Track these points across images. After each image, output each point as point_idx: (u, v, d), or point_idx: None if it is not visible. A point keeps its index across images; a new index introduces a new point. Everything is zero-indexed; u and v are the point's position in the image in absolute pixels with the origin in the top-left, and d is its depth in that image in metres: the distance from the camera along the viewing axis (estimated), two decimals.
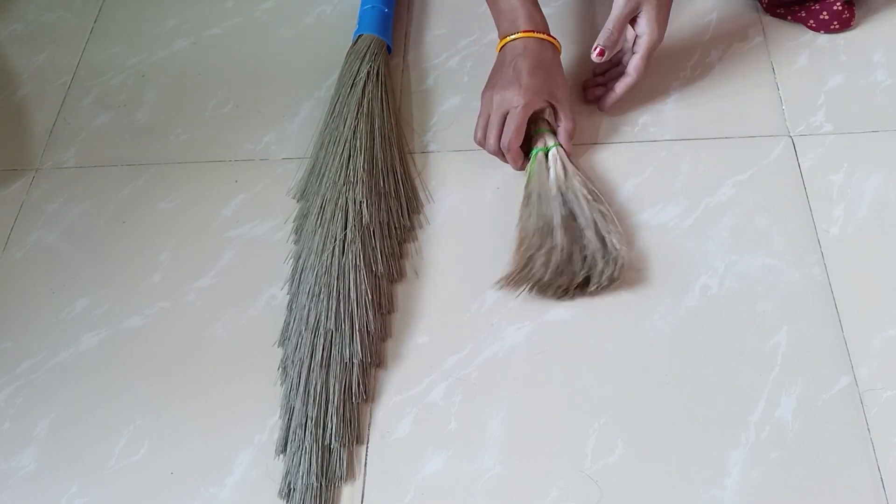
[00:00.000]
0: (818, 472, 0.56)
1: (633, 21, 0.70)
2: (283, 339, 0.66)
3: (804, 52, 0.78)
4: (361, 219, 0.68)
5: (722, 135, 0.73)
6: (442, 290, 0.68)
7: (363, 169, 0.71)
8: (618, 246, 0.64)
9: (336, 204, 0.69)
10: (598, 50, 0.69)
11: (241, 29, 0.90)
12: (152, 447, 0.62)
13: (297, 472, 0.59)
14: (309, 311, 0.64)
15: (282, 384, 0.64)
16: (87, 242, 0.75)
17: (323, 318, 0.63)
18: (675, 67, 0.78)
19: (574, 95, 0.77)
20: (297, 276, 0.68)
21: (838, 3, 0.76)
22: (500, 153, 0.71)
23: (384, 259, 0.67)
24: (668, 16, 0.70)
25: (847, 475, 0.56)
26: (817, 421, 0.58)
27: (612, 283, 0.64)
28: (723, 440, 0.58)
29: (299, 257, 0.69)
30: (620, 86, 0.72)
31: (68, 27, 0.93)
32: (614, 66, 0.76)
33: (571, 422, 0.60)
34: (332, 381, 0.61)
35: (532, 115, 0.69)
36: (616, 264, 0.64)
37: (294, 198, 0.75)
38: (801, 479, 0.56)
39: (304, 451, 0.59)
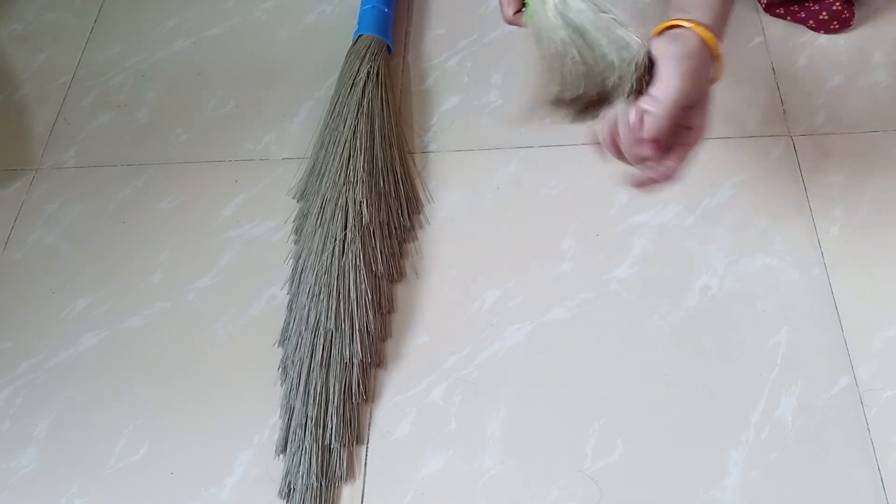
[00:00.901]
0: (818, 472, 0.56)
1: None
2: (283, 339, 0.66)
3: (804, 52, 0.78)
4: (361, 219, 0.68)
5: (722, 135, 0.73)
6: (442, 290, 0.68)
7: (363, 169, 0.71)
8: (638, 46, 0.50)
9: (336, 204, 0.69)
10: (650, 144, 0.49)
11: (241, 29, 0.90)
12: (152, 447, 0.62)
13: (297, 472, 0.59)
14: (309, 311, 0.64)
15: (282, 384, 0.64)
16: (87, 242, 0.75)
17: (323, 318, 0.63)
18: None
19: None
20: (297, 276, 0.68)
21: (838, 3, 0.76)
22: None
23: (384, 259, 0.67)
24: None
25: (847, 475, 0.56)
26: (817, 421, 0.58)
27: (641, 84, 0.50)
28: (723, 440, 0.58)
29: (299, 257, 0.69)
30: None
31: (68, 27, 0.93)
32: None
33: (571, 422, 0.60)
34: (332, 381, 0.61)
35: None
36: (641, 64, 0.50)
37: (294, 198, 0.75)
38: (801, 479, 0.56)
39: (304, 451, 0.59)
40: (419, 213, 0.73)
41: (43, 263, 0.74)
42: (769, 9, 0.80)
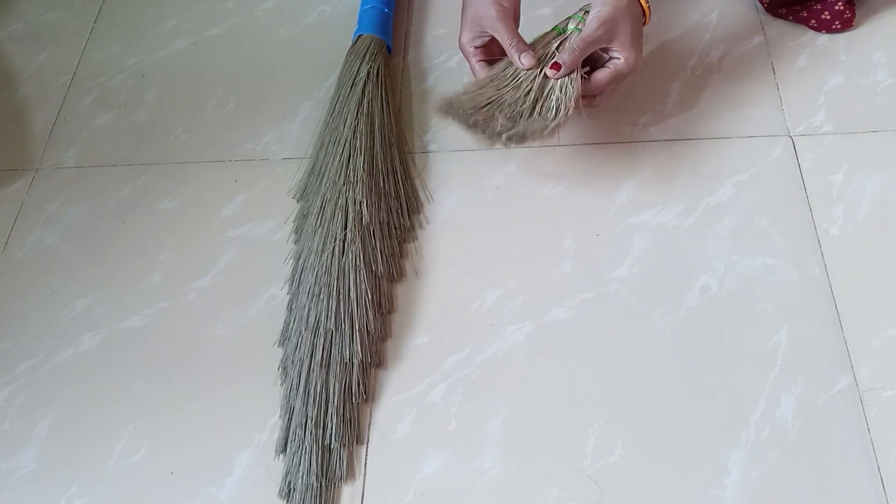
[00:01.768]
0: (818, 472, 0.56)
1: (606, 49, 0.65)
2: (283, 339, 0.66)
3: (804, 52, 0.78)
4: (361, 219, 0.68)
5: (722, 135, 0.73)
6: (442, 290, 0.68)
7: (363, 169, 0.71)
8: (559, 112, 0.63)
9: (336, 204, 0.69)
10: (553, 63, 0.63)
11: (241, 29, 0.90)
12: (152, 447, 0.62)
13: (297, 472, 0.59)
14: (309, 311, 0.64)
15: (282, 384, 0.64)
16: (87, 242, 0.75)
17: (323, 318, 0.63)
18: (675, 67, 0.78)
19: None
20: (297, 276, 0.68)
21: (840, 3, 0.76)
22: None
23: (384, 259, 0.67)
24: (642, 43, 0.66)
25: (847, 475, 0.56)
26: (817, 421, 0.58)
27: (533, 137, 0.63)
28: (723, 440, 0.58)
29: (299, 257, 0.69)
30: (586, 93, 0.66)
31: (68, 27, 0.93)
32: None
33: (571, 422, 0.60)
34: (332, 381, 0.61)
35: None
36: (545, 124, 0.62)
37: (294, 198, 0.75)
38: (801, 479, 0.56)
39: (304, 451, 0.59)
40: (419, 213, 0.73)
41: (43, 263, 0.74)
42: (771, 9, 0.80)
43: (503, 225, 0.70)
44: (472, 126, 0.64)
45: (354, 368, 0.62)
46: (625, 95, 0.74)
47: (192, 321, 0.68)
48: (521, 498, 0.57)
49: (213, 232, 0.74)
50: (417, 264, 0.70)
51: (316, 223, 0.69)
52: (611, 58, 0.66)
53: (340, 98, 0.77)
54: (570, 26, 0.67)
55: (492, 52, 0.69)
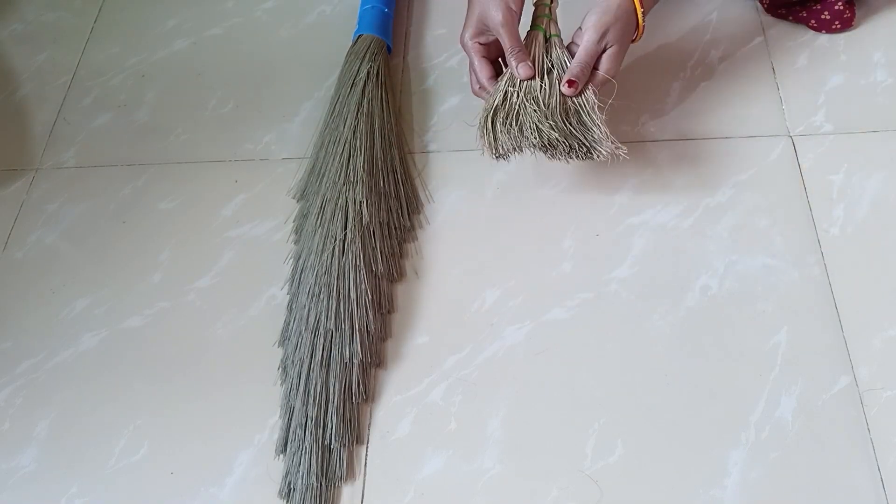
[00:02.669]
0: (818, 472, 0.56)
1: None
2: (283, 339, 0.66)
3: (804, 52, 0.78)
4: (361, 219, 0.68)
5: (722, 135, 0.73)
6: (442, 290, 0.68)
7: (363, 169, 0.71)
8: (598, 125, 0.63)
9: (336, 204, 0.69)
10: (568, 81, 0.64)
11: (241, 29, 0.90)
12: (152, 447, 0.62)
13: (297, 472, 0.59)
14: (309, 311, 0.64)
15: (282, 384, 0.64)
16: (87, 242, 0.75)
17: (323, 318, 0.63)
18: (675, 67, 0.78)
19: None
20: (297, 276, 0.68)
21: (840, 3, 0.76)
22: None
23: (384, 259, 0.67)
24: (623, 56, 0.67)
25: (847, 475, 0.56)
26: (817, 421, 0.58)
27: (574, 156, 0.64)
28: (723, 440, 0.58)
29: (299, 257, 0.69)
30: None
31: (68, 27, 0.93)
32: None
33: (571, 422, 0.60)
34: (332, 381, 0.61)
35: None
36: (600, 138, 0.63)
37: (294, 198, 0.75)
38: (801, 479, 0.56)
39: (304, 451, 0.59)
40: (419, 213, 0.73)
41: (43, 263, 0.74)
42: (771, 10, 0.80)
43: (503, 225, 0.70)
44: (542, 146, 0.64)
45: (354, 368, 0.62)
46: (625, 95, 0.74)
47: (192, 321, 0.68)
48: (521, 498, 0.57)
49: (213, 232, 0.74)
50: (417, 264, 0.70)
51: (316, 223, 0.69)
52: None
53: (340, 98, 0.77)
54: (545, 27, 0.67)
55: (491, 52, 0.69)
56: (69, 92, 0.87)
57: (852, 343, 0.61)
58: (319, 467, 0.59)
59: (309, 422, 0.60)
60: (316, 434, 0.59)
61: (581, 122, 0.64)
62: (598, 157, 0.63)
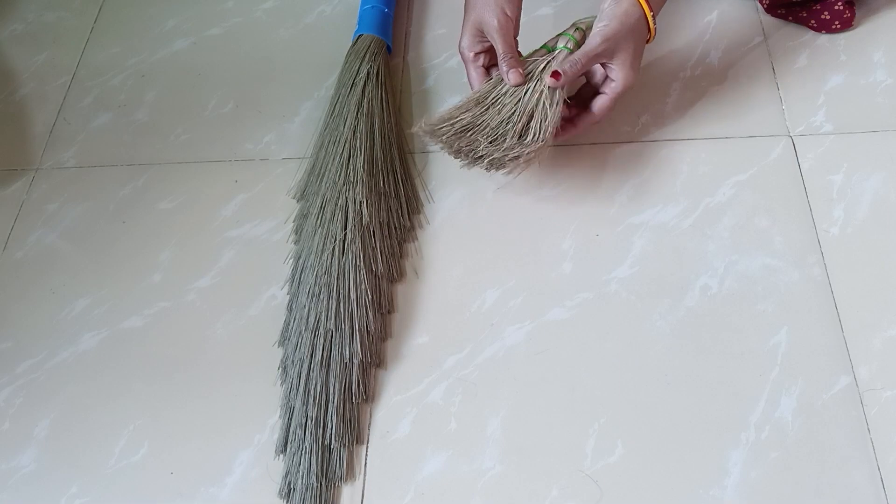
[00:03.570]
0: (818, 472, 0.56)
1: (604, 64, 0.66)
2: (283, 339, 0.66)
3: (804, 52, 0.78)
4: (361, 219, 0.68)
5: (722, 135, 0.73)
6: (442, 290, 0.68)
7: (363, 169, 0.71)
8: (537, 138, 0.63)
9: (336, 204, 0.69)
10: (553, 72, 0.63)
11: (241, 29, 0.90)
12: (152, 447, 0.62)
13: (297, 472, 0.59)
14: (309, 311, 0.64)
15: (282, 384, 0.64)
16: (87, 242, 0.75)
17: (323, 318, 0.63)
18: (675, 67, 0.78)
19: None
20: (297, 276, 0.68)
21: (840, 3, 0.76)
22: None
23: (384, 259, 0.67)
24: (641, 62, 0.66)
25: (847, 475, 0.56)
26: (817, 421, 0.58)
27: (511, 164, 0.63)
28: (723, 440, 0.58)
29: (299, 257, 0.69)
30: (583, 122, 0.68)
31: (68, 27, 0.93)
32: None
33: (571, 422, 0.60)
34: (332, 381, 0.61)
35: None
36: (524, 150, 0.63)
37: (294, 198, 0.75)
38: (801, 479, 0.56)
39: (304, 451, 0.59)
40: (419, 213, 0.73)
41: (43, 263, 0.74)
42: (770, 10, 0.80)
43: (503, 225, 0.71)
44: (456, 151, 0.65)
45: (354, 368, 0.62)
46: (625, 95, 0.73)
47: (192, 321, 0.68)
48: (521, 498, 0.57)
49: (213, 232, 0.74)
50: (417, 264, 0.70)
51: (316, 223, 0.69)
52: (607, 77, 0.66)
53: (340, 98, 0.77)
54: (560, 44, 0.67)
55: (488, 59, 0.69)
56: (69, 92, 0.87)
57: (852, 343, 0.61)
58: (319, 467, 0.59)
59: (309, 422, 0.60)
60: (316, 434, 0.59)
61: (522, 137, 0.64)
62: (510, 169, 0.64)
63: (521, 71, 0.65)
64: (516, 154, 0.63)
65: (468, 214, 0.72)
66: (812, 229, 0.67)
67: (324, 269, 0.65)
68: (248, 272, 0.71)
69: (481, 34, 0.67)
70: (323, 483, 0.58)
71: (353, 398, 0.61)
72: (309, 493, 0.58)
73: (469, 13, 0.68)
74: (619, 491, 0.57)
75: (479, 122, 0.65)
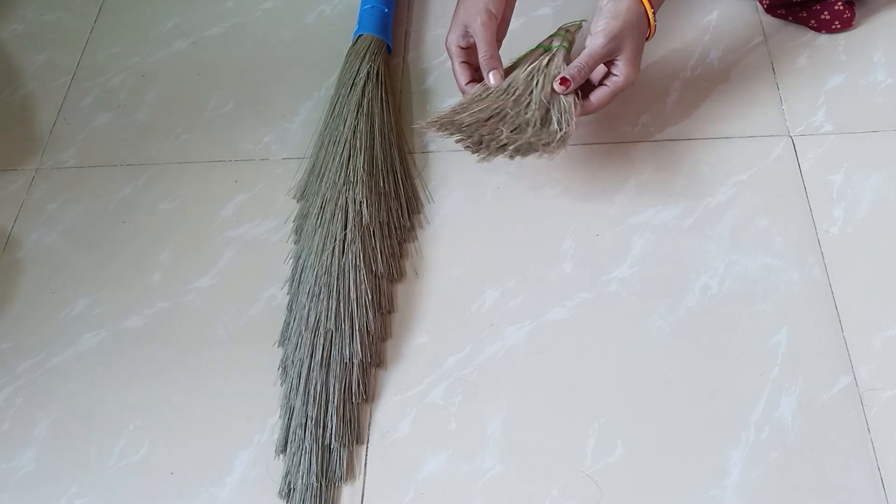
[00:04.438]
0: (818, 472, 0.56)
1: (608, 62, 0.66)
2: (283, 339, 0.66)
3: (804, 52, 0.78)
4: (361, 219, 0.68)
5: (722, 135, 0.73)
6: (442, 290, 0.68)
7: (363, 169, 0.71)
8: (563, 127, 0.63)
9: (336, 204, 0.69)
10: (561, 79, 0.64)
11: (241, 29, 0.90)
12: (152, 447, 0.62)
13: (297, 472, 0.59)
14: (309, 311, 0.64)
15: (282, 384, 0.64)
16: (87, 242, 0.75)
17: (323, 318, 0.63)
18: (675, 67, 0.78)
19: None
20: (297, 276, 0.68)
21: (839, 3, 0.76)
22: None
23: (384, 259, 0.67)
24: (641, 59, 0.66)
25: (847, 475, 0.56)
26: (817, 421, 0.58)
27: (543, 149, 0.63)
28: (723, 440, 0.58)
29: (299, 257, 0.69)
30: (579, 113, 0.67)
31: (68, 27, 0.93)
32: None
33: (571, 422, 0.60)
34: (332, 381, 0.61)
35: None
36: (553, 137, 0.63)
37: (294, 198, 0.75)
38: (801, 479, 0.56)
39: (304, 451, 0.59)
40: (419, 213, 0.73)
41: (43, 263, 0.74)
42: (770, 10, 0.80)
43: (503, 225, 0.71)
44: (476, 142, 0.64)
45: (354, 368, 0.62)
46: (625, 95, 0.73)
47: (192, 321, 0.68)
48: (521, 498, 0.57)
49: (213, 232, 0.74)
50: (417, 264, 0.70)
51: (316, 223, 0.69)
52: (609, 72, 0.66)
53: (340, 98, 0.77)
54: (556, 43, 0.67)
55: (473, 56, 0.69)
56: (69, 92, 0.87)
57: (852, 343, 0.61)
58: (319, 467, 0.59)
59: (309, 422, 0.60)
60: (316, 434, 0.59)
61: (544, 126, 0.64)
62: (541, 155, 0.63)
63: (501, 73, 0.66)
64: (546, 140, 0.63)
65: (468, 214, 0.72)
66: (812, 229, 0.67)
67: (324, 269, 0.65)
68: (248, 272, 0.71)
69: (467, 32, 0.68)
70: (323, 483, 0.58)
71: (353, 398, 0.61)
72: (309, 493, 0.58)
73: (458, 11, 0.69)
74: (619, 491, 0.57)
75: (500, 111, 0.65)
